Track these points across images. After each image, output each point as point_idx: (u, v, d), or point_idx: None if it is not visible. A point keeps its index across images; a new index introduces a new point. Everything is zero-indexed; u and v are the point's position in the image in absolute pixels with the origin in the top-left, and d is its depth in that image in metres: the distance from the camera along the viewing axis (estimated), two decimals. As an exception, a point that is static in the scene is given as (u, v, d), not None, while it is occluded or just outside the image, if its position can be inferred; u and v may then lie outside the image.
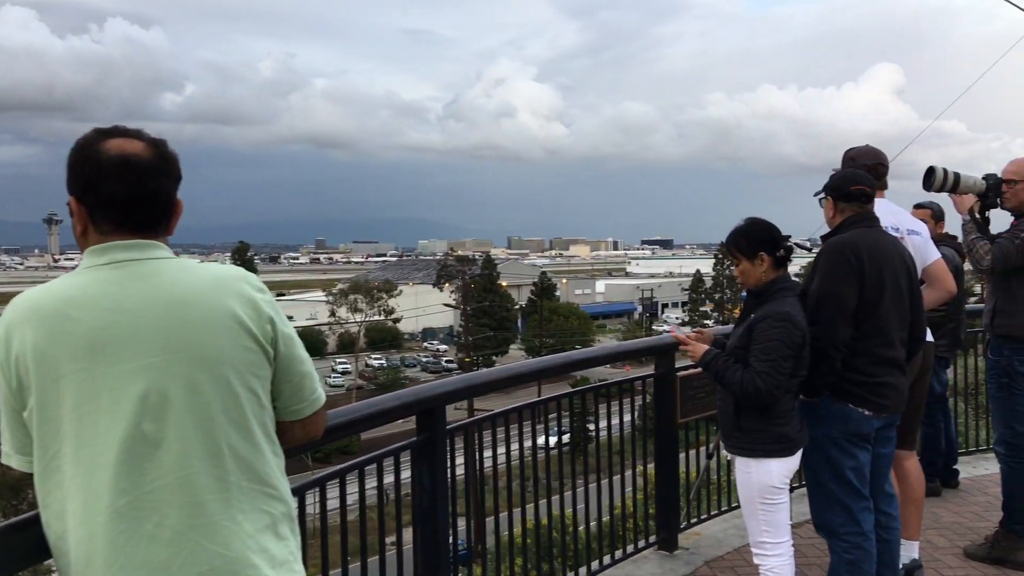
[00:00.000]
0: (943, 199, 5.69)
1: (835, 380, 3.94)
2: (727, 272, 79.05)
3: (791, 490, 4.66)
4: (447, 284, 76.74)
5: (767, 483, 3.86)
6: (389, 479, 3.75)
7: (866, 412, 3.98)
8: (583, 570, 5.06)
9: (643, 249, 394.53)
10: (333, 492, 3.37)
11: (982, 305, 5.69)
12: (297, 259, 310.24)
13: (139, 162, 2.03)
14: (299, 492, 3.11)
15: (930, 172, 5.06)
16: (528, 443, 4.66)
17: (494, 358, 68.51)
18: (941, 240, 6.69)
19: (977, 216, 5.16)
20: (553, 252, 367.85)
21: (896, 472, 4.76)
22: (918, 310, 4.19)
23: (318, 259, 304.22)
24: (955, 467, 7.08)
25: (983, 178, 5.14)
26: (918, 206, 6.83)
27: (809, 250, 4.53)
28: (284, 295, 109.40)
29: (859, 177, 4.23)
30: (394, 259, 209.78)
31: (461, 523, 4.45)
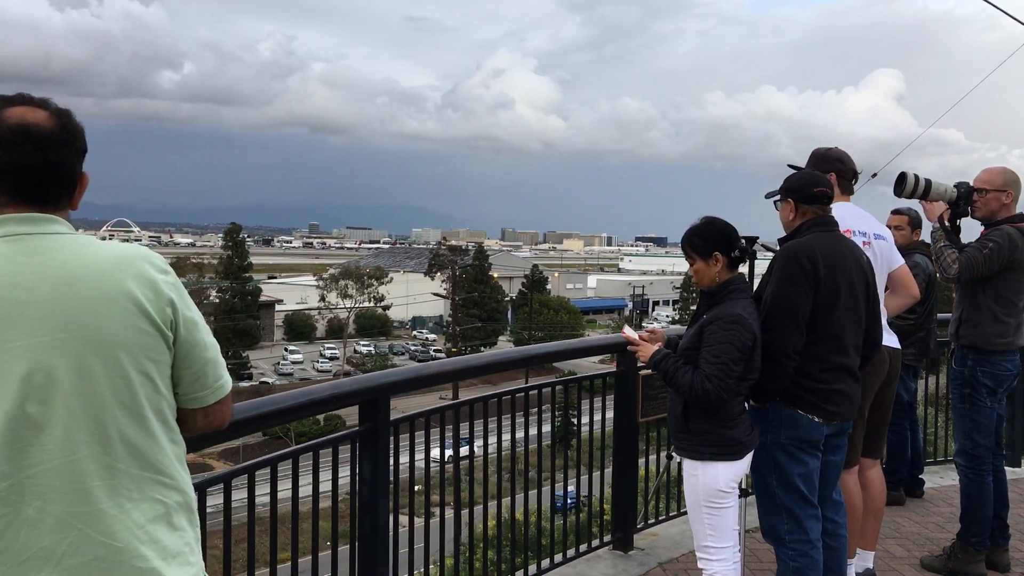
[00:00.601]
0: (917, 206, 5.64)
1: (786, 386, 3.88)
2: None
3: (746, 495, 4.61)
4: (438, 273, 76.62)
5: (713, 486, 3.81)
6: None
7: (816, 419, 3.92)
8: (532, 567, 5.00)
9: (637, 246, 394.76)
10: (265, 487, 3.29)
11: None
12: (290, 243, 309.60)
13: (40, 132, 1.94)
14: (225, 479, 3.03)
15: (902, 178, 5.01)
16: (493, 438, 4.58)
17: (482, 348, 68.44)
18: (916, 248, 6.64)
19: (947, 224, 5.10)
20: (546, 245, 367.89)
21: (860, 480, 4.71)
22: (874, 316, 4.13)
23: (311, 243, 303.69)
24: (921, 476, 7.05)
25: (955, 186, 5.08)
26: (896, 212, 6.78)
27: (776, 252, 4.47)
28: (275, 278, 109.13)
29: (820, 179, 4.16)
30: (387, 246, 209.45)
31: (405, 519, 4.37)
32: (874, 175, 7.41)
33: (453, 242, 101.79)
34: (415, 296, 77.94)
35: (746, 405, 3.96)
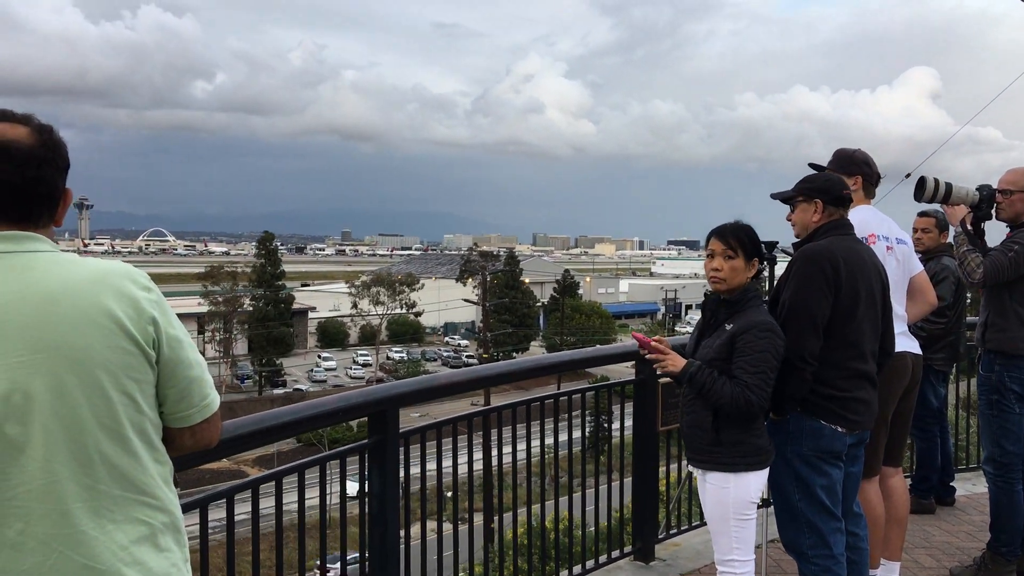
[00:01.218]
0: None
1: (804, 393, 3.78)
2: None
3: (767, 505, 4.52)
4: (470, 279, 76.74)
5: (745, 498, 3.71)
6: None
7: (839, 429, 3.82)
8: (552, 578, 4.94)
9: (669, 249, 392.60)
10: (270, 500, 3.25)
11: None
12: (323, 250, 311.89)
13: (19, 149, 1.92)
14: (228, 495, 3.01)
15: (921, 182, 4.89)
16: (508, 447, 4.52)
17: (514, 354, 68.38)
18: (943, 250, 6.49)
19: (969, 228, 4.98)
20: (578, 250, 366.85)
21: (881, 489, 4.60)
22: (889, 321, 4.03)
23: (343, 251, 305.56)
24: (951, 484, 6.88)
25: (976, 189, 4.96)
26: (923, 214, 6.64)
27: None
28: (308, 285, 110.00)
29: (843, 181, 4.07)
30: (418, 253, 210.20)
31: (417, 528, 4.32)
32: (908, 175, 7.27)
33: (484, 248, 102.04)
34: (447, 302, 78.10)
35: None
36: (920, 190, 4.87)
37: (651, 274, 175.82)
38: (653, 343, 3.97)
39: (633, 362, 5.27)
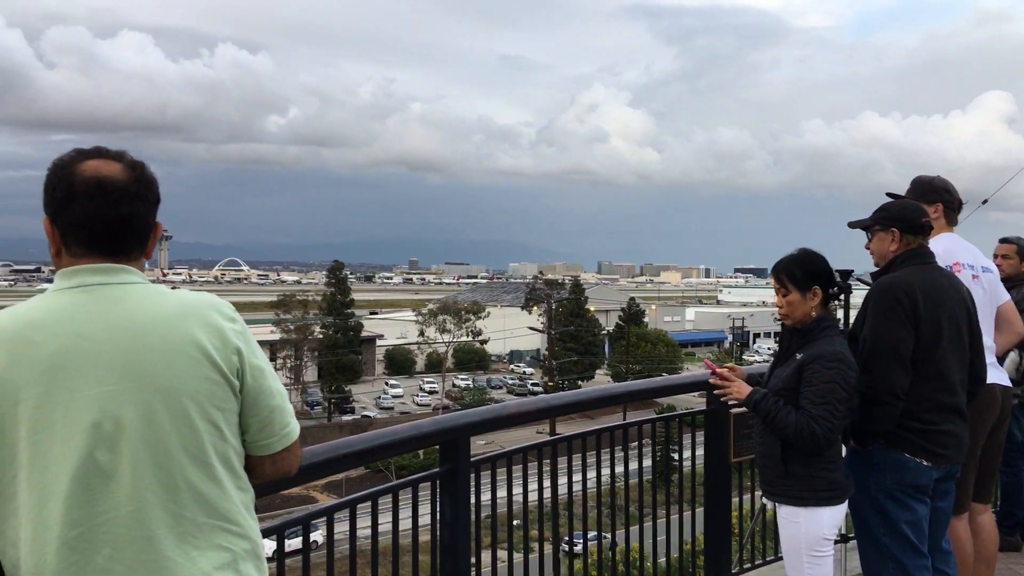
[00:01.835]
0: None
1: (891, 428, 3.68)
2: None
3: (846, 540, 4.39)
4: (535, 307, 76.82)
5: (816, 533, 3.62)
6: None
7: (924, 462, 3.70)
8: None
9: (736, 277, 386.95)
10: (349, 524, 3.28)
11: None
12: (391, 279, 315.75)
13: (113, 185, 2.00)
14: (303, 522, 3.04)
15: None
16: (577, 476, 4.48)
17: (579, 383, 68.08)
18: (1025, 278, 6.28)
19: None
20: (643, 278, 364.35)
21: (970, 527, 4.44)
22: (977, 350, 3.90)
23: (411, 279, 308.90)
24: (1039, 520, 6.60)
25: None
26: (1004, 240, 6.44)
27: None
28: (376, 313, 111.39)
29: (922, 209, 3.98)
30: (484, 281, 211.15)
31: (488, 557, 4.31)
32: (984, 201, 7.06)
33: (549, 276, 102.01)
34: (512, 330, 78.24)
35: (843, 447, 3.78)
36: None
37: (717, 302, 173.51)
38: (721, 371, 3.95)
39: (703, 391, 5.20)
